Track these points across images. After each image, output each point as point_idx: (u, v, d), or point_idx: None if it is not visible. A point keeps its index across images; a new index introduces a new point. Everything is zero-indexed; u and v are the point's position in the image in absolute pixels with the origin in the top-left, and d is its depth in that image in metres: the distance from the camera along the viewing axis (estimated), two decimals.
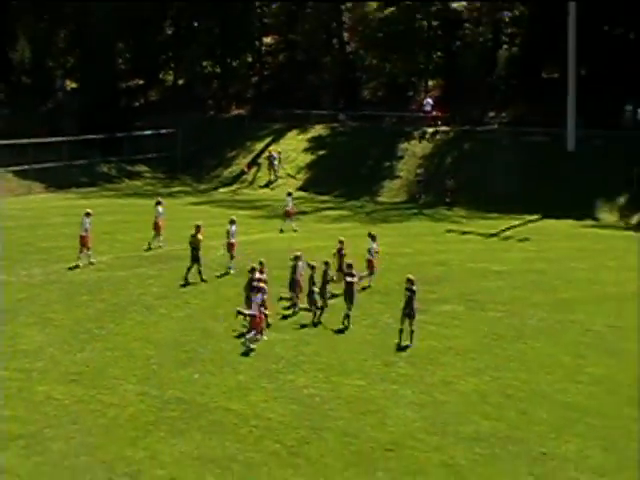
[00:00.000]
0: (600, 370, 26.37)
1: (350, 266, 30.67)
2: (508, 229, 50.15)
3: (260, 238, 44.33)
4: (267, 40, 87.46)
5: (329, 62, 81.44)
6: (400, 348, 27.73)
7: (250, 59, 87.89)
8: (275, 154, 68.67)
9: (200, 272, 35.91)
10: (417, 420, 22.32)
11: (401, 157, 66.16)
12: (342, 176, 65.08)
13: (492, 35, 75.15)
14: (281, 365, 26.16)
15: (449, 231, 49.88)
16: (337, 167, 66.20)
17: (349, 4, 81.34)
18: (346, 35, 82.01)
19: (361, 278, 34.58)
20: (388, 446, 20.77)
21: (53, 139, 64.57)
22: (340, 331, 29.63)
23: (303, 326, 30.08)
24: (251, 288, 28.55)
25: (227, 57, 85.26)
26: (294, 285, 31.59)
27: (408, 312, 28.00)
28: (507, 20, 74.82)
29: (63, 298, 33.31)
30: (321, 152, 69.82)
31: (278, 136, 73.21)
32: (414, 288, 28.17)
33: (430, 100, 70.05)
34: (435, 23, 74.96)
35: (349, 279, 30.09)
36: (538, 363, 26.91)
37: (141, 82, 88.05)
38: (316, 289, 30.30)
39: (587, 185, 55.69)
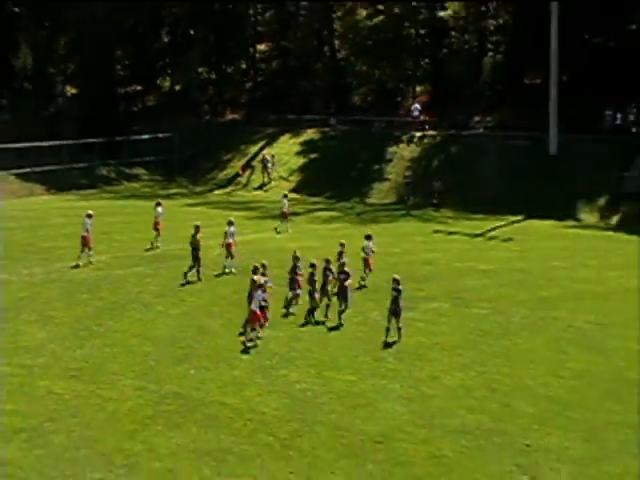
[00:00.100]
0: (581, 365, 26.44)
1: (343, 264, 30.71)
2: (493, 229, 50.18)
3: (254, 238, 44.28)
4: (261, 47, 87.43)
5: (320, 69, 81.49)
6: (388, 345, 27.72)
7: (244, 65, 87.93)
8: (269, 157, 68.59)
9: (198, 271, 35.86)
10: (405, 413, 22.35)
11: (390, 160, 66.13)
12: (333, 178, 65.06)
13: (477, 43, 75.22)
14: (274, 361, 26.16)
15: (436, 231, 49.88)
16: (328, 170, 66.17)
17: (340, 13, 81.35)
18: (337, 42, 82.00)
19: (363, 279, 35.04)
20: (378, 439, 20.79)
21: (54, 143, 64.45)
22: (332, 328, 29.61)
23: (304, 324, 30.01)
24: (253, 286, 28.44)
25: (222, 64, 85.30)
26: (293, 283, 31.38)
27: (394, 310, 27.96)
28: (492, 28, 74.86)
29: (63, 296, 33.28)
30: (313, 155, 69.76)
31: (271, 140, 73.13)
32: (400, 287, 28.13)
33: (418, 105, 70.04)
34: (423, 31, 75.01)
35: (342, 277, 29.99)
36: (522, 358, 26.96)
37: (139, 88, 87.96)
38: (317, 286, 30.17)
39: (568, 187, 55.74)
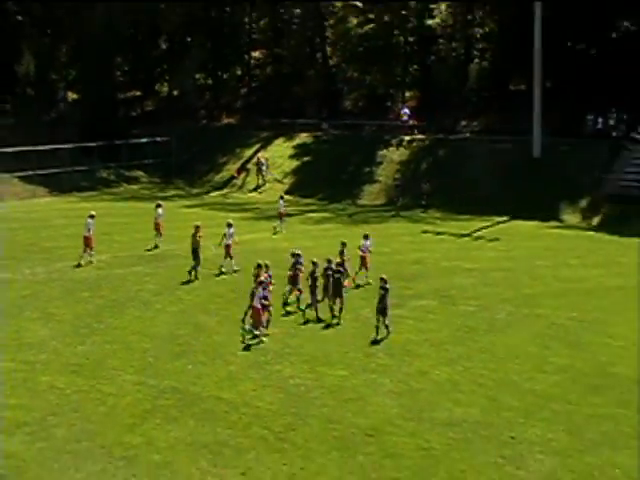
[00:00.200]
0: (564, 360, 26.51)
1: (339, 264, 30.58)
2: (479, 230, 50.20)
3: (249, 238, 44.11)
4: (255, 54, 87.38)
5: (313, 75, 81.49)
6: (378, 341, 27.73)
7: (239, 72, 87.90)
8: (263, 160, 68.48)
9: (196, 270, 35.91)
10: (395, 407, 22.39)
11: (380, 163, 66.09)
12: (325, 181, 64.99)
13: (464, 50, 75.23)
14: (269, 357, 26.18)
15: (425, 232, 49.87)
16: (320, 172, 66.10)
17: (332, 21, 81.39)
18: (329, 49, 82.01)
19: (356, 273, 34.95)
20: (368, 431, 20.84)
21: (55, 146, 64.36)
22: (326, 325, 29.61)
23: (305, 323, 30.01)
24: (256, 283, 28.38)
25: (218, 70, 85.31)
26: (295, 280, 31.32)
27: (381, 308, 27.94)
28: (478, 36, 74.99)
29: (65, 294, 33.28)
30: (306, 158, 69.70)
31: (266, 143, 73.01)
32: (387, 286, 28.16)
33: (407, 110, 70.03)
34: (411, 39, 75.09)
35: (337, 276, 29.90)
36: (507, 354, 27.01)
37: (138, 93, 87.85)
38: (318, 284, 30.17)
39: (552, 189, 55.78)
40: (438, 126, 67.97)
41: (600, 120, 62.49)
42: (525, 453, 19.91)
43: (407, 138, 67.30)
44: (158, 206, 43.05)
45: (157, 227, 42.37)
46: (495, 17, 72.91)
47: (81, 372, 24.68)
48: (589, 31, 63.89)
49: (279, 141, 72.72)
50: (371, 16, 74.40)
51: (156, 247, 42.05)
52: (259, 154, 70.46)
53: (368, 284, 34.76)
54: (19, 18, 78.70)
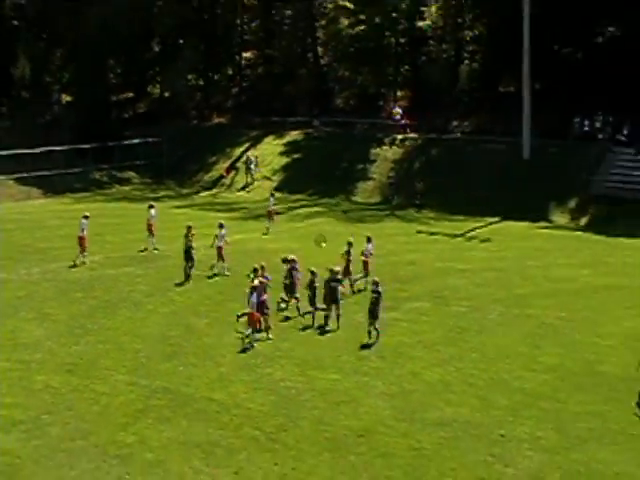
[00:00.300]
0: (553, 359, 26.70)
1: (336, 272, 29.84)
2: (472, 230, 50.21)
3: (239, 239, 43.60)
4: (247, 55, 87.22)
5: (304, 74, 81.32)
6: (369, 345, 27.65)
7: (230, 72, 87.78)
8: (252, 158, 67.76)
9: (191, 271, 35.76)
10: (387, 408, 22.49)
11: (374, 161, 65.83)
12: (316, 177, 64.25)
13: (454, 52, 75.31)
14: (259, 360, 26.17)
15: (419, 232, 49.84)
16: (311, 169, 65.56)
17: (323, 22, 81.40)
18: (320, 50, 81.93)
19: (355, 280, 34.39)
20: (360, 432, 20.93)
21: (50, 149, 64.31)
22: (318, 331, 29.41)
23: (301, 328, 29.92)
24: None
25: (209, 71, 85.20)
26: (293, 289, 30.72)
27: (372, 311, 27.78)
28: (468, 39, 75.03)
29: (59, 295, 33.35)
30: (296, 155, 69.08)
31: (256, 142, 72.26)
32: (379, 289, 28.05)
33: (399, 109, 70.01)
34: (402, 40, 74.94)
35: (333, 284, 29.26)
36: (497, 354, 27.17)
37: (131, 95, 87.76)
38: (317, 292, 29.59)
39: (541, 190, 55.88)
40: (430, 126, 67.92)
41: (587, 122, 62.63)
42: (514, 451, 20.07)
43: (400, 137, 67.25)
44: (151, 207, 42.89)
45: (150, 228, 42.19)
46: (484, 21, 72.95)
47: (75, 372, 24.78)
48: (575, 36, 64.16)
49: (269, 139, 72.21)
50: (362, 17, 74.28)
51: (146, 249, 41.72)
52: (248, 152, 70.10)
53: (365, 289, 34.10)
54: (15, 23, 78.81)
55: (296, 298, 30.66)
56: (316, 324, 29.74)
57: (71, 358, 25.99)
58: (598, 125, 62.36)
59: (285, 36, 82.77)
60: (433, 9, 75.07)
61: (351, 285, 34.14)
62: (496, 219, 53.72)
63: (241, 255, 38.14)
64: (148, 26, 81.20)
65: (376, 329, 27.90)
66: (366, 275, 34.42)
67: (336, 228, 47.96)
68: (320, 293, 29.76)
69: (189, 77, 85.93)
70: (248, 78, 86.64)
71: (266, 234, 47.45)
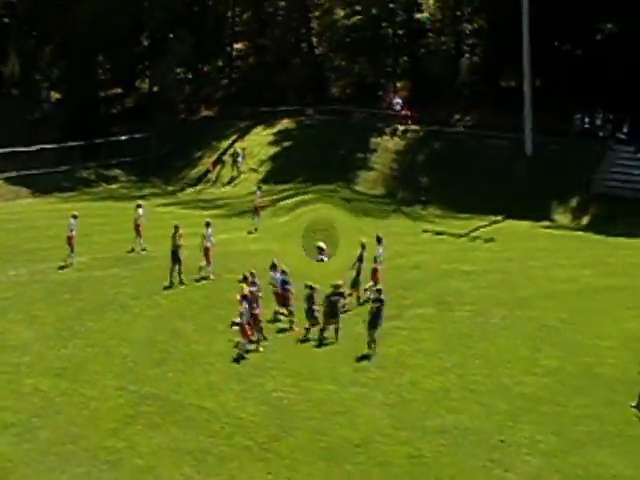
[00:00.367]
0: (553, 362, 26.89)
1: (339, 286, 29.02)
2: (476, 229, 49.96)
3: (223, 239, 42.40)
4: (237, 46, 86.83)
5: (298, 63, 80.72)
6: (368, 356, 27.19)
7: (221, 63, 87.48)
8: (240, 151, 66.93)
9: (180, 273, 35.46)
10: (385, 418, 22.52)
11: (374, 150, 65.13)
12: (310, 165, 63.22)
13: (454, 45, 75.22)
14: (248, 368, 26.02)
15: (425, 231, 49.37)
16: (304, 157, 64.40)
17: (317, 13, 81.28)
18: (315, 40, 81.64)
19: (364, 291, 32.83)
20: (357, 442, 20.98)
21: (39, 147, 64.26)
22: (315, 343, 28.69)
23: (304, 341, 29.22)
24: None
25: (199, 63, 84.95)
26: (286, 302, 30.06)
27: (372, 320, 27.29)
28: (467, 32, 74.92)
29: (47, 296, 33.44)
30: (286, 144, 68.25)
31: (244, 133, 71.21)
32: (382, 297, 27.56)
33: (399, 99, 69.97)
34: (400, 31, 74.68)
35: (334, 298, 28.51)
36: (499, 358, 27.29)
37: (119, 90, 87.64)
38: (316, 307, 28.71)
39: (544, 188, 55.94)
40: (431, 118, 67.70)
41: (587, 120, 62.81)
42: (513, 455, 20.28)
43: (401, 128, 66.98)
44: (138, 206, 42.26)
45: (137, 228, 41.63)
46: (483, 15, 73.00)
47: (64, 375, 24.91)
48: (574, 32, 64.38)
49: (258, 129, 71.12)
50: (358, 8, 73.98)
51: (134, 250, 41.35)
52: (236, 144, 69.49)
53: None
54: (5, 20, 78.89)
55: (290, 311, 29.99)
56: (312, 337, 28.92)
57: (60, 361, 26.11)
58: (598, 123, 62.54)
59: (278, 26, 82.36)
60: (431, 1, 74.92)
61: (358, 297, 32.85)
62: (500, 218, 53.64)
63: (225, 258, 37.74)
64: (138, 20, 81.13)
65: (373, 340, 27.33)
66: (375, 285, 31.85)
67: (337, 216, 47.23)
68: (321, 308, 28.77)
69: (178, 70, 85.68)
70: (239, 69, 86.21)
71: (252, 233, 47.03)
